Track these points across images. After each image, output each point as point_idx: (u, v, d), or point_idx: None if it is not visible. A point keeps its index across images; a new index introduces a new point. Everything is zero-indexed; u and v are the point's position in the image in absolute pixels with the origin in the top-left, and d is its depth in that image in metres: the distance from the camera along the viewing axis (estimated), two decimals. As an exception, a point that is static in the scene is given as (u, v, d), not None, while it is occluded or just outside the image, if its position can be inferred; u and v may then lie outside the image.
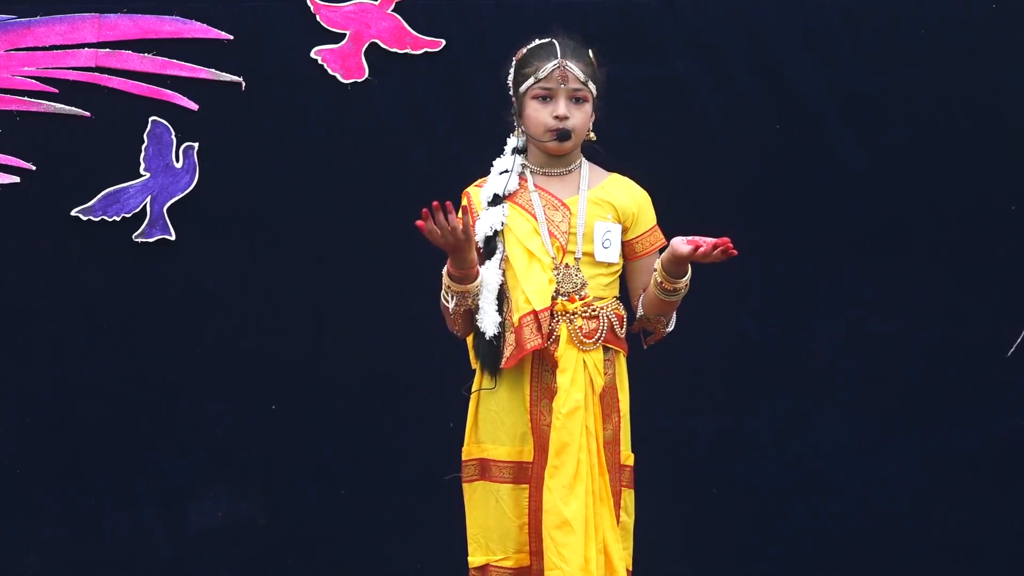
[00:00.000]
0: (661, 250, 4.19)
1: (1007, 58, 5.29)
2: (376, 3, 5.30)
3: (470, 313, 4.12)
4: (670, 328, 4.21)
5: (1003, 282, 5.30)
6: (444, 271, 4.09)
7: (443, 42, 5.29)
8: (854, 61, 5.30)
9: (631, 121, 5.11)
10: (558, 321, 4.06)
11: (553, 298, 4.07)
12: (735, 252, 3.98)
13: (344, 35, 5.29)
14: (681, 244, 4.00)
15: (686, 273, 4.08)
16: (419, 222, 3.94)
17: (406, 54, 5.30)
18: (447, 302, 4.11)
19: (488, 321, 4.10)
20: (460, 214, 4.19)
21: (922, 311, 5.30)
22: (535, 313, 4.04)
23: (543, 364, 4.09)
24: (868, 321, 5.31)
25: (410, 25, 5.29)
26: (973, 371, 5.30)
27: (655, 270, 4.09)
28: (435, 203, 3.94)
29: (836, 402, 5.31)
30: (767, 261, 5.31)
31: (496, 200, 4.13)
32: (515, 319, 4.05)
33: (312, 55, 5.29)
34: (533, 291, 4.05)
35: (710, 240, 3.97)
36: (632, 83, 5.18)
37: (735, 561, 5.33)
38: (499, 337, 4.10)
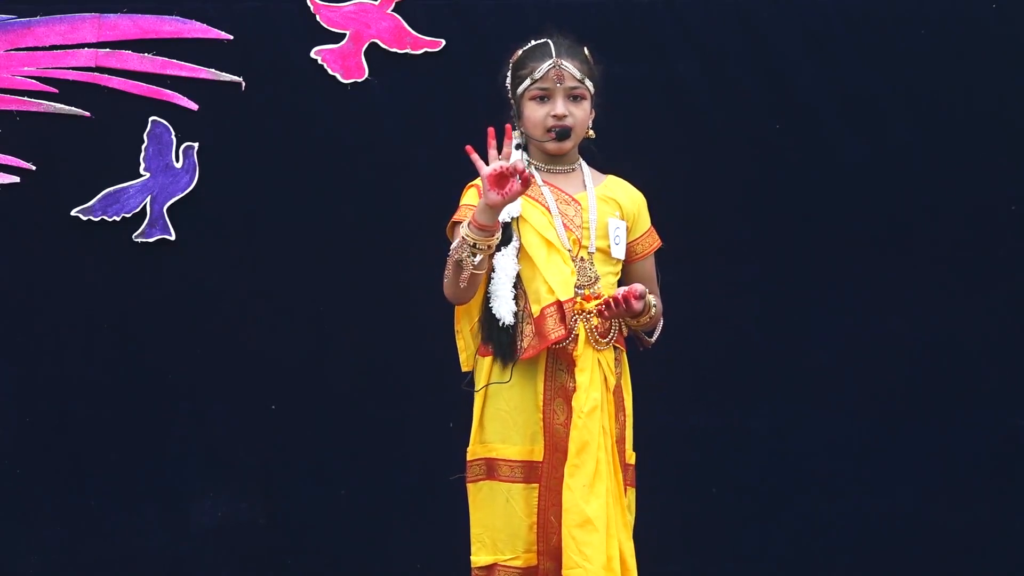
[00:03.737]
0: (656, 253, 4.20)
1: (1007, 58, 5.30)
2: (376, 3, 5.30)
3: (469, 282, 4.04)
4: (653, 340, 4.21)
5: (1003, 282, 5.30)
6: (466, 227, 3.97)
7: (443, 42, 5.29)
8: (854, 61, 5.30)
9: (630, 121, 5.11)
10: (576, 320, 4.06)
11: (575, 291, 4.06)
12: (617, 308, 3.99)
13: (344, 35, 5.29)
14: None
15: (640, 313, 4.07)
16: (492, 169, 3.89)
17: (406, 54, 5.30)
18: (470, 259, 3.98)
19: (505, 309, 4.06)
20: (466, 202, 4.15)
21: (922, 311, 5.30)
22: (559, 304, 4.03)
23: (557, 363, 4.08)
24: (868, 321, 5.31)
25: (410, 25, 5.29)
26: (973, 371, 5.30)
27: None
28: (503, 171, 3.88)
29: (836, 402, 5.31)
30: (767, 261, 5.31)
31: None
32: (536, 310, 4.03)
33: (312, 55, 5.29)
34: (557, 282, 4.03)
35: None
36: (631, 83, 5.18)
37: (735, 561, 5.33)
38: (514, 328, 4.08)
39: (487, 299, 4.10)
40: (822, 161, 5.30)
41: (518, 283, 4.10)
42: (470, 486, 4.15)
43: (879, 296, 5.31)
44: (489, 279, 4.08)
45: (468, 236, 3.97)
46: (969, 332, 5.30)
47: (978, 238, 5.30)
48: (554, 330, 4.03)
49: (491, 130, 3.93)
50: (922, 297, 5.30)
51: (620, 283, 4.19)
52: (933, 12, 5.29)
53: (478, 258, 3.99)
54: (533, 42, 4.16)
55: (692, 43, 5.30)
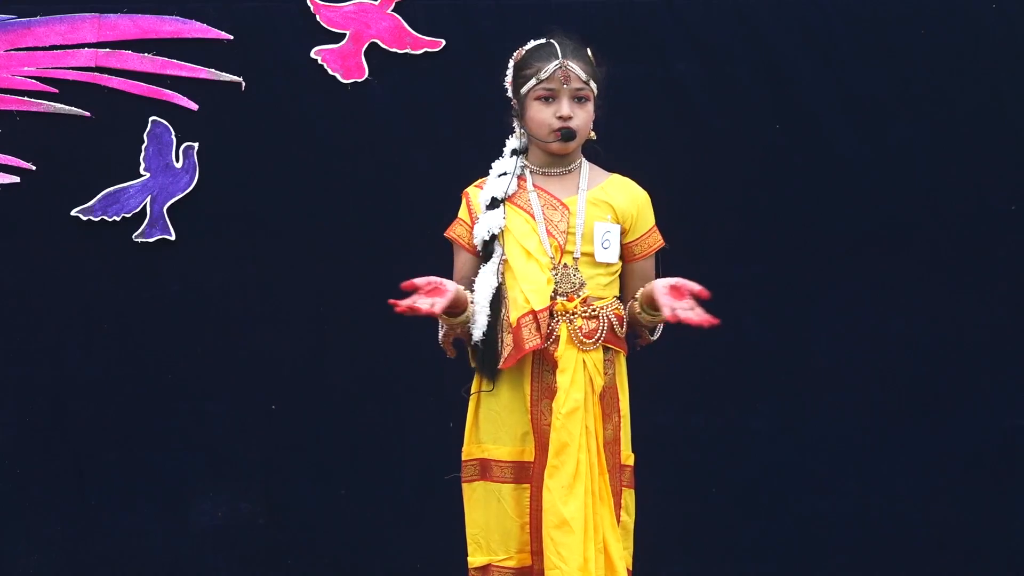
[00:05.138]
0: (658, 252, 4.19)
1: (1007, 58, 5.30)
2: (376, 3, 5.30)
3: (465, 336, 4.13)
4: (655, 336, 4.20)
5: (1003, 282, 5.30)
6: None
7: (443, 42, 5.29)
8: (854, 61, 5.30)
9: (631, 121, 5.11)
10: (558, 321, 4.06)
11: (552, 298, 4.06)
12: (715, 322, 3.90)
13: (344, 35, 5.29)
14: (661, 296, 3.96)
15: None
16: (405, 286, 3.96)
17: (406, 54, 5.30)
18: (439, 331, 4.14)
19: (477, 325, 4.09)
20: (460, 214, 4.18)
21: (922, 311, 5.30)
22: (534, 313, 4.03)
23: (543, 364, 4.08)
24: (868, 321, 5.31)
25: (410, 25, 5.29)
26: (973, 371, 5.30)
27: (635, 299, 4.09)
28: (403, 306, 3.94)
29: (836, 402, 5.31)
30: (767, 261, 5.31)
31: (494, 203, 4.12)
32: (513, 319, 4.05)
33: (312, 55, 5.29)
34: (531, 291, 4.04)
35: (687, 306, 3.93)
36: (632, 83, 5.18)
37: (735, 561, 5.33)
38: (493, 338, 4.09)
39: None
40: (822, 161, 5.30)
41: (503, 292, 4.11)
42: (465, 486, 4.15)
43: (879, 296, 5.31)
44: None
45: (440, 319, 4.08)
46: (969, 332, 5.30)
47: (978, 238, 5.30)
48: (528, 340, 4.04)
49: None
50: (922, 297, 5.30)
51: (621, 284, 4.18)
52: (933, 12, 5.29)
53: (441, 332, 4.13)
54: (537, 42, 4.15)
55: (692, 43, 5.30)
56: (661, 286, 3.98)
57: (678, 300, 3.94)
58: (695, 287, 3.94)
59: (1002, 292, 5.30)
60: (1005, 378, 5.30)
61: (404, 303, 3.93)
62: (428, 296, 3.95)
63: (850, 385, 5.31)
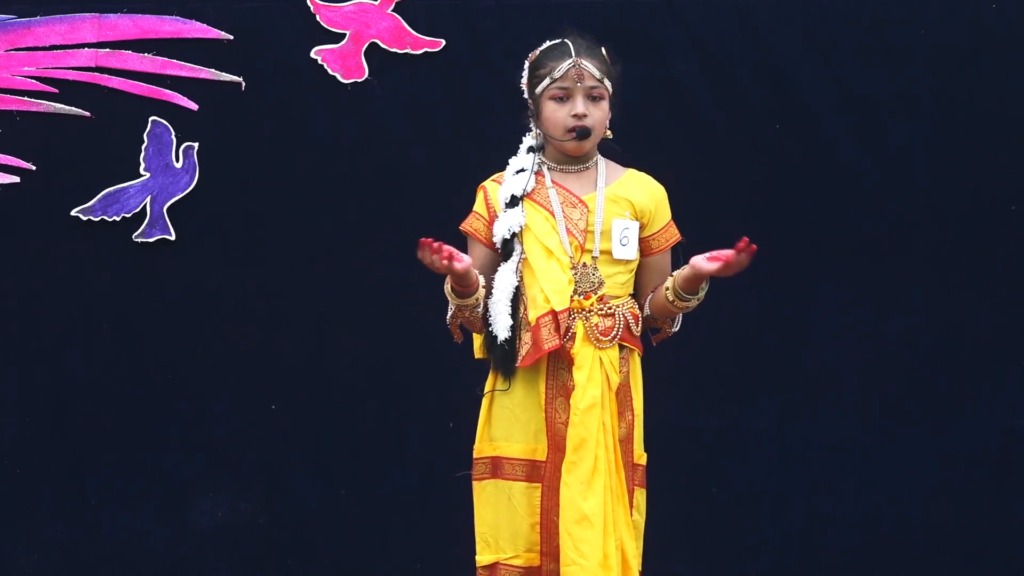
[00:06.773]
0: (676, 246, 4.18)
1: (1007, 58, 5.30)
2: (376, 3, 5.30)
3: (471, 323, 4.11)
4: (676, 328, 4.21)
5: (1003, 282, 5.30)
6: (446, 281, 4.08)
7: (443, 42, 5.29)
8: (854, 61, 5.30)
9: (631, 121, 5.10)
10: (574, 318, 4.05)
11: (571, 297, 4.05)
12: (755, 247, 3.97)
13: (344, 35, 5.30)
14: (704, 263, 3.99)
15: (701, 289, 4.08)
16: (423, 241, 3.94)
17: (406, 54, 5.30)
18: (448, 311, 4.11)
19: (501, 324, 4.07)
20: (476, 208, 4.17)
21: (922, 311, 5.30)
22: (554, 313, 4.02)
23: (559, 362, 4.07)
24: (868, 321, 5.31)
25: (410, 25, 5.29)
26: (973, 371, 5.30)
27: (667, 288, 4.09)
28: (427, 242, 3.91)
29: (836, 401, 5.31)
30: (767, 261, 5.28)
31: (514, 201, 4.11)
32: (532, 318, 4.04)
33: (312, 55, 5.29)
34: (553, 291, 4.03)
35: (729, 252, 3.97)
36: (632, 83, 5.16)
37: (735, 561, 5.34)
38: (512, 338, 4.08)
39: (487, 313, 4.11)
40: (822, 161, 5.30)
41: (521, 289, 4.10)
42: (475, 484, 4.14)
43: (879, 296, 5.31)
44: (488, 294, 4.09)
45: (448, 297, 4.07)
46: (969, 332, 5.30)
47: (978, 238, 5.30)
48: (547, 340, 4.03)
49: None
50: (922, 297, 5.30)
51: (636, 279, 4.18)
52: (933, 12, 5.30)
53: (449, 312, 4.10)
54: (551, 41, 4.15)
55: (692, 43, 5.31)
56: (702, 257, 4.01)
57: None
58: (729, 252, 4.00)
59: (1002, 292, 5.30)
60: (1005, 378, 5.30)
61: (435, 243, 3.90)
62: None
63: (850, 385, 5.32)
